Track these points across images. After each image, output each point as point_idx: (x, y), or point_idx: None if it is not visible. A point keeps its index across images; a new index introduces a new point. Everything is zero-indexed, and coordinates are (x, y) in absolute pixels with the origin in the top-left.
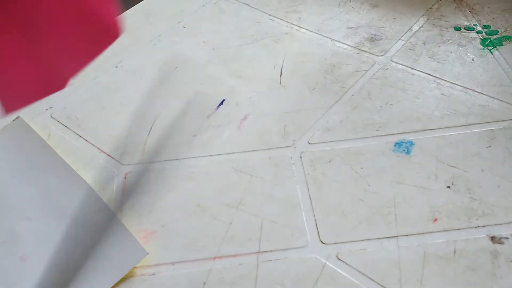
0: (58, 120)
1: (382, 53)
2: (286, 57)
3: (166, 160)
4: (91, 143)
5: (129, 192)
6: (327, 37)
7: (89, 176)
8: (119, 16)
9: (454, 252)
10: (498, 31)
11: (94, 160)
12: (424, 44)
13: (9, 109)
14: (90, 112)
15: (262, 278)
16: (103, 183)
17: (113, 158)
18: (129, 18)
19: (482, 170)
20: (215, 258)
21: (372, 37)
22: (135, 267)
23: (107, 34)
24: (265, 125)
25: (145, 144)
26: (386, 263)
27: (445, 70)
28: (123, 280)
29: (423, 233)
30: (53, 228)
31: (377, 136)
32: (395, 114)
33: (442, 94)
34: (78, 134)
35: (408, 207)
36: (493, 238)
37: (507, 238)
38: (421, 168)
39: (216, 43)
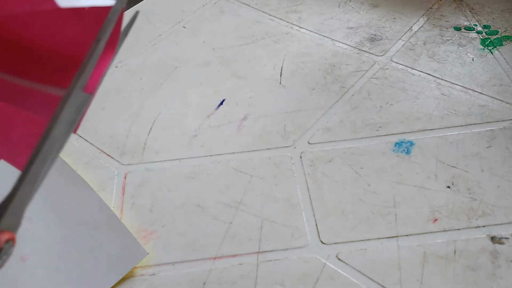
0: None
1: (382, 53)
2: (286, 57)
3: (166, 160)
4: (91, 143)
5: (129, 192)
6: (327, 37)
7: (89, 176)
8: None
9: (454, 252)
10: (498, 31)
11: (94, 160)
12: (424, 44)
13: None
14: (90, 112)
15: (262, 278)
16: (103, 183)
17: (113, 158)
18: (129, 18)
19: (482, 170)
20: (215, 258)
21: (372, 37)
22: (135, 267)
23: None
24: (265, 125)
25: (145, 144)
26: (386, 263)
27: (445, 70)
28: (123, 280)
29: (423, 233)
30: (53, 228)
31: (377, 136)
32: (395, 114)
33: (442, 94)
34: (78, 134)
35: (408, 207)
36: (493, 238)
37: (507, 238)
38: (421, 168)
39: (216, 43)
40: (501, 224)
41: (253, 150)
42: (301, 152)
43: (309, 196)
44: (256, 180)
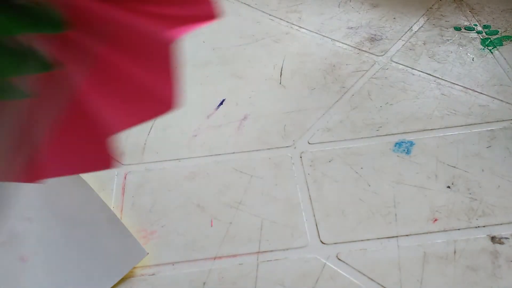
0: None
1: (382, 53)
2: (286, 57)
3: (166, 160)
4: None
5: (129, 192)
6: (327, 37)
7: (89, 176)
8: (177, 90)
9: (454, 252)
10: (498, 31)
11: None
12: (424, 44)
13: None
14: None
15: (262, 278)
16: (103, 183)
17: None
18: None
19: (482, 170)
20: (215, 258)
21: (372, 37)
22: (135, 267)
23: (161, 106)
24: (265, 125)
25: (145, 144)
26: (386, 263)
27: (445, 70)
28: (123, 280)
29: (423, 233)
30: (53, 228)
31: (377, 136)
32: (395, 114)
33: (442, 94)
34: None
35: (408, 207)
36: (493, 238)
37: (507, 238)
38: (421, 168)
39: (216, 43)
40: (501, 224)
41: (253, 150)
42: (301, 152)
43: (309, 196)
44: (256, 180)
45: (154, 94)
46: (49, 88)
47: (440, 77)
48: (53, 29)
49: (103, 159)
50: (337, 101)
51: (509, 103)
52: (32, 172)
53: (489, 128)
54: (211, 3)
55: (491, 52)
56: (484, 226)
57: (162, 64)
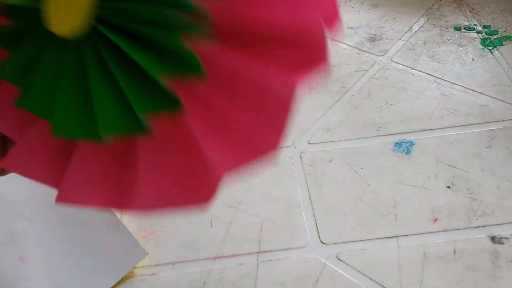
0: None
1: (382, 53)
2: None
3: None
4: None
5: None
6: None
7: None
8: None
9: (454, 252)
10: (498, 31)
11: None
12: (424, 44)
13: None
14: None
15: (262, 278)
16: None
17: None
18: None
19: (482, 170)
20: (215, 258)
21: (372, 37)
22: (135, 267)
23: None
24: None
25: None
26: (386, 263)
27: (445, 70)
28: (123, 280)
29: (423, 233)
30: (53, 228)
31: (377, 136)
32: (395, 114)
33: (442, 94)
34: None
35: (408, 207)
36: (493, 238)
37: (507, 238)
38: (421, 168)
39: None
40: (501, 224)
41: None
42: (301, 152)
43: (309, 196)
44: (256, 180)
45: (263, 140)
46: (165, 130)
47: (440, 77)
48: (196, 73)
49: (202, 199)
50: (337, 101)
51: (509, 103)
52: (128, 202)
53: (489, 128)
54: (326, 46)
55: (491, 52)
56: (484, 226)
57: (279, 114)
